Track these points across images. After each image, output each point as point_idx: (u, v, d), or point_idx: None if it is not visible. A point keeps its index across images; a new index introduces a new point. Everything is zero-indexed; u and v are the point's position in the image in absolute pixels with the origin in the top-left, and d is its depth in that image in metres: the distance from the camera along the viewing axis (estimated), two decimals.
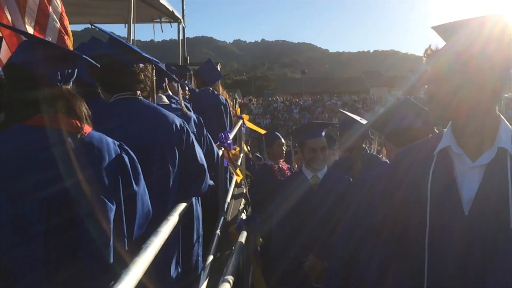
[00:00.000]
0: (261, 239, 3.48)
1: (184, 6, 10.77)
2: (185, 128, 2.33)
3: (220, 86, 5.30)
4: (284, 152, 4.92)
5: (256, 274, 3.35)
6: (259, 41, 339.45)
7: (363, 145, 3.67)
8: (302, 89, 54.77)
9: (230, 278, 2.29)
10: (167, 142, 2.24)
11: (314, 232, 3.13)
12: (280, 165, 4.74)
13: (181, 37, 10.03)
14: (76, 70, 1.69)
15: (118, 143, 1.74)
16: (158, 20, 8.84)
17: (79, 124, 1.60)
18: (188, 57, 11.39)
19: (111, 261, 1.60)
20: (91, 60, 1.72)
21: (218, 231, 3.35)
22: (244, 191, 5.71)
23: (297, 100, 46.83)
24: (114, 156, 1.69)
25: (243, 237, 3.09)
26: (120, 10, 7.81)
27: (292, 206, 3.22)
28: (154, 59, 2.44)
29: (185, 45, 10.62)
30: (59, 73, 1.62)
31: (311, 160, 3.25)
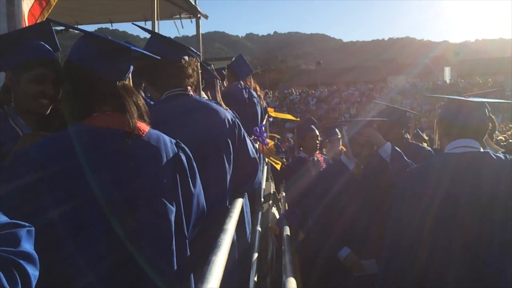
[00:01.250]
0: (302, 233, 3.44)
1: (196, 1, 10.73)
2: (236, 123, 2.29)
3: (252, 80, 5.24)
4: (318, 144, 4.80)
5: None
6: (272, 33, 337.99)
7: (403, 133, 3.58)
8: (318, 80, 54.29)
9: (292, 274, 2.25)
10: (223, 138, 2.20)
11: (356, 225, 3.08)
12: (315, 158, 4.65)
13: (200, 33, 9.99)
14: (132, 65, 1.64)
15: (175, 141, 1.69)
16: (178, 16, 8.81)
17: (135, 123, 1.55)
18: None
19: (174, 263, 1.56)
20: (151, 54, 1.67)
21: (258, 227, 3.31)
22: (270, 186, 5.67)
23: (313, 91, 46.53)
24: (172, 155, 1.64)
25: (287, 231, 3.05)
26: (140, 7, 7.80)
27: (334, 197, 3.16)
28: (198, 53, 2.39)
29: (201, 41, 10.60)
30: (114, 69, 1.57)
31: (357, 153, 3.19)
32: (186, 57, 2.20)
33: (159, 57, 1.72)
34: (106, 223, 1.43)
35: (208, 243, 1.61)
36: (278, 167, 4.39)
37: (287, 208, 4.88)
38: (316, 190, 3.37)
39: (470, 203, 2.05)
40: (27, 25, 2.60)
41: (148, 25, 8.55)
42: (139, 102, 1.59)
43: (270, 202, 5.39)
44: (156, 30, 5.96)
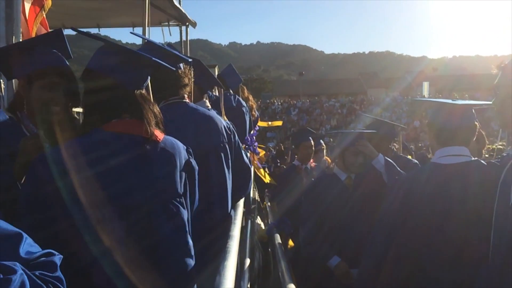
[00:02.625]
0: (292, 243, 3.48)
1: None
2: (232, 130, 2.33)
3: (245, 90, 5.28)
4: (312, 153, 4.86)
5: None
6: (255, 43, 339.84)
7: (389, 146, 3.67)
8: (300, 91, 54.76)
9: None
10: (221, 145, 2.25)
11: (348, 234, 3.14)
12: (308, 166, 4.72)
13: (187, 40, 10.01)
14: (149, 75, 1.67)
15: (186, 147, 1.74)
16: (167, 23, 8.82)
17: (153, 130, 1.58)
18: None
19: (192, 264, 1.60)
20: (166, 64, 1.70)
21: (248, 235, 3.34)
22: (254, 195, 5.71)
23: (294, 102, 46.90)
24: (184, 161, 1.69)
25: (278, 239, 3.09)
26: (128, 13, 7.79)
27: (325, 207, 3.22)
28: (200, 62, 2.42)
29: (188, 48, 10.62)
30: (133, 78, 1.60)
31: (351, 164, 3.26)
32: (182, 66, 2.23)
33: (174, 69, 1.76)
34: (124, 226, 1.46)
35: (213, 247, 1.64)
36: (266, 180, 4.44)
37: (271, 217, 4.92)
38: (308, 200, 3.42)
39: (459, 214, 2.12)
40: (27, 28, 2.60)
41: (137, 31, 8.52)
42: (155, 110, 1.63)
43: (256, 211, 5.43)
44: (147, 37, 5.97)
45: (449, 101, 2.41)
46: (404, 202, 2.26)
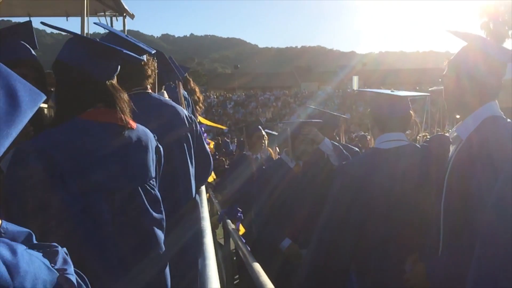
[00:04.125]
0: (243, 229, 3.62)
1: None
2: (193, 119, 2.42)
3: (191, 82, 5.30)
4: (264, 144, 5.03)
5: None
6: (188, 35, 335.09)
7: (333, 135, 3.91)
8: (235, 84, 54.98)
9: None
10: (184, 135, 2.33)
11: (298, 217, 3.34)
12: (259, 156, 4.88)
13: (124, 31, 9.78)
14: (118, 66, 1.72)
15: (154, 135, 1.81)
16: (103, 13, 8.57)
17: (126, 118, 1.65)
18: None
19: (163, 236, 1.73)
20: (135, 55, 1.76)
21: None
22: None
23: (230, 95, 47.04)
24: (154, 147, 1.79)
25: (231, 225, 3.22)
26: (62, 2, 7.49)
27: (276, 193, 3.40)
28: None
29: None
30: (104, 70, 1.65)
31: (301, 151, 3.45)
32: (145, 58, 2.28)
33: (143, 59, 1.82)
34: (112, 210, 1.54)
35: (177, 234, 1.76)
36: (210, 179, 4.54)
37: (217, 205, 5.03)
38: (259, 186, 3.59)
39: (400, 194, 2.37)
40: None
41: (71, 21, 8.22)
42: (126, 99, 1.70)
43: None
44: (86, 27, 5.80)
45: (388, 91, 2.66)
46: (350, 185, 2.47)
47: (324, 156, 3.34)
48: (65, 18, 8.50)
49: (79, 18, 7.07)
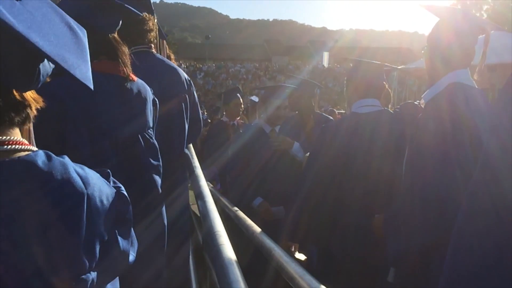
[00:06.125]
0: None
1: None
2: (191, 83, 2.54)
3: (167, 48, 5.31)
4: (241, 111, 5.17)
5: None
6: (157, 2, 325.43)
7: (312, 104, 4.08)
8: (205, 54, 54.25)
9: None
10: (183, 94, 2.45)
11: (270, 178, 3.53)
12: (235, 122, 5.02)
13: None
14: (120, 20, 1.79)
15: (151, 89, 1.93)
16: None
17: (129, 71, 1.75)
18: None
19: (160, 180, 1.88)
20: (135, 10, 1.83)
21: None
22: None
23: (200, 65, 46.47)
24: (151, 100, 1.91)
25: (209, 185, 3.37)
26: None
27: (251, 156, 3.57)
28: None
29: None
30: (106, 23, 1.73)
31: (274, 116, 3.61)
32: (145, 13, 2.32)
33: (141, 14, 1.90)
34: (115, 156, 1.67)
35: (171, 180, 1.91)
36: None
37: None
38: (235, 149, 3.75)
39: (367, 155, 2.56)
40: None
41: None
42: (127, 52, 1.79)
43: None
44: None
45: (366, 60, 2.84)
46: (329, 146, 2.65)
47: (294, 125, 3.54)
48: None
49: None
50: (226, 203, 2.89)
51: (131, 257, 0.87)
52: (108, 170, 0.89)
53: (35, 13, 0.71)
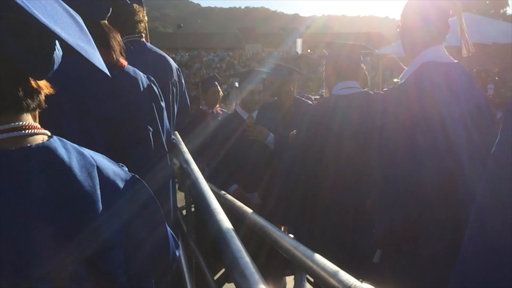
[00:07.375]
0: None
1: None
2: (180, 72, 2.58)
3: None
4: (218, 98, 5.18)
5: None
6: None
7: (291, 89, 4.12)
8: (178, 44, 53.64)
9: None
10: (173, 82, 2.53)
11: (246, 165, 3.59)
12: (214, 111, 5.02)
13: None
14: (110, 7, 1.79)
15: (146, 75, 1.95)
16: None
17: (119, 56, 1.77)
18: None
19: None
20: None
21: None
22: None
23: (173, 55, 45.96)
24: (146, 86, 1.92)
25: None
26: None
27: (230, 143, 3.62)
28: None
29: None
30: (97, 9, 1.73)
31: (249, 101, 3.66)
32: (135, 4, 2.34)
33: (129, 2, 1.90)
34: (104, 138, 1.71)
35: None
36: None
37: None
38: (213, 137, 3.81)
39: (353, 136, 2.62)
40: None
41: None
42: (118, 38, 1.80)
43: None
44: None
45: (345, 42, 2.90)
46: (310, 128, 2.70)
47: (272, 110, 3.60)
48: None
49: None
50: (214, 188, 2.94)
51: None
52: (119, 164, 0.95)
53: (45, 3, 0.73)
